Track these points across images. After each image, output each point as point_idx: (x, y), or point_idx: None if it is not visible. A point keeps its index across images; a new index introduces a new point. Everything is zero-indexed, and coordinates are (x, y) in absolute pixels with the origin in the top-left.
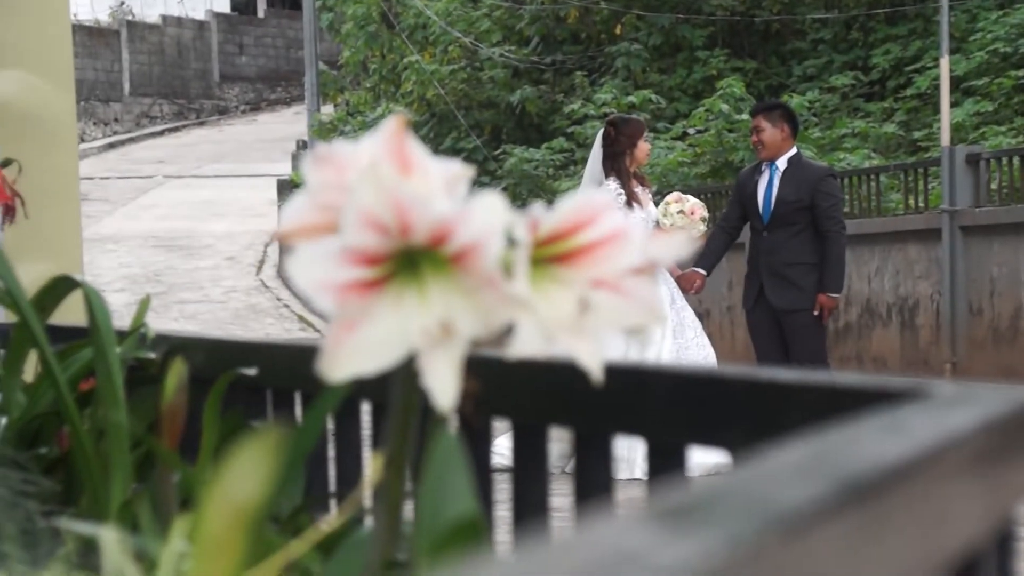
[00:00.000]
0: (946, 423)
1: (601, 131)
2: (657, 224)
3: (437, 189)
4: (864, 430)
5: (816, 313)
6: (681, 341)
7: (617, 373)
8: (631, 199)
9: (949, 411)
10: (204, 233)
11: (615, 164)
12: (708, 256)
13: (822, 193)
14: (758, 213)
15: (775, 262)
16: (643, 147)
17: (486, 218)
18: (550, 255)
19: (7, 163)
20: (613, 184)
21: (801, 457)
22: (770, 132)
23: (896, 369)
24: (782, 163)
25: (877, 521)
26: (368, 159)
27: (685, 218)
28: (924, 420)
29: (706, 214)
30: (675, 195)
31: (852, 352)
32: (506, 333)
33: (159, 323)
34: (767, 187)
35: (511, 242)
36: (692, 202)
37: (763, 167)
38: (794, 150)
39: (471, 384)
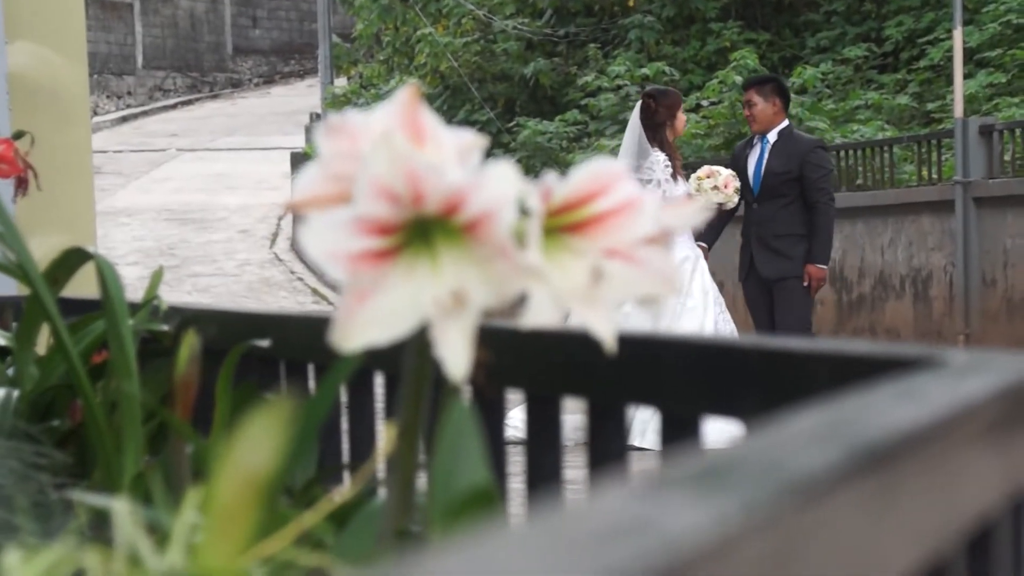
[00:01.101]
0: (960, 390)
1: (639, 104)
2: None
3: (450, 158)
4: (878, 397)
5: (805, 284)
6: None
7: (630, 343)
8: (676, 171)
9: (963, 378)
10: (218, 206)
11: (656, 136)
12: (709, 231)
13: (810, 164)
14: (749, 186)
15: (765, 234)
16: (681, 118)
17: (499, 187)
18: (563, 224)
19: (19, 135)
20: (661, 156)
21: (815, 424)
22: (762, 106)
23: (909, 340)
24: (773, 136)
25: (892, 488)
26: (381, 128)
27: (720, 193)
28: (938, 387)
29: (738, 184)
30: (706, 169)
31: (865, 324)
32: (519, 303)
33: (172, 296)
34: (758, 160)
35: (524, 212)
36: (725, 175)
37: (755, 140)
38: (786, 123)
39: (483, 354)
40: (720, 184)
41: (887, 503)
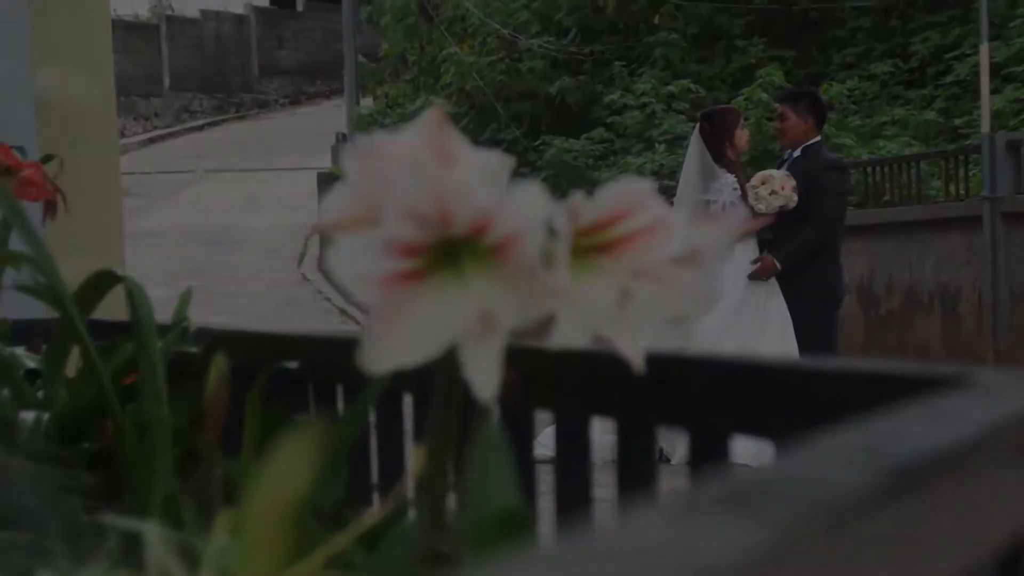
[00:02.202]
0: (994, 410)
1: (696, 127)
2: (754, 211)
3: (477, 179)
4: (911, 417)
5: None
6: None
7: (659, 362)
8: (743, 191)
9: (996, 398)
10: (245, 227)
11: (718, 156)
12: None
13: (816, 186)
14: None
15: (779, 253)
16: (741, 135)
17: (526, 208)
18: (591, 245)
19: (48, 159)
20: (730, 177)
21: (848, 444)
22: (793, 122)
23: (939, 358)
24: (798, 152)
25: (926, 509)
26: (408, 150)
27: (779, 196)
28: (971, 407)
29: (795, 182)
30: (759, 176)
31: (894, 341)
32: (547, 324)
33: (201, 317)
34: None
35: (552, 232)
36: (780, 177)
37: (786, 155)
38: (815, 139)
39: (512, 375)
40: (777, 187)
41: (921, 524)
